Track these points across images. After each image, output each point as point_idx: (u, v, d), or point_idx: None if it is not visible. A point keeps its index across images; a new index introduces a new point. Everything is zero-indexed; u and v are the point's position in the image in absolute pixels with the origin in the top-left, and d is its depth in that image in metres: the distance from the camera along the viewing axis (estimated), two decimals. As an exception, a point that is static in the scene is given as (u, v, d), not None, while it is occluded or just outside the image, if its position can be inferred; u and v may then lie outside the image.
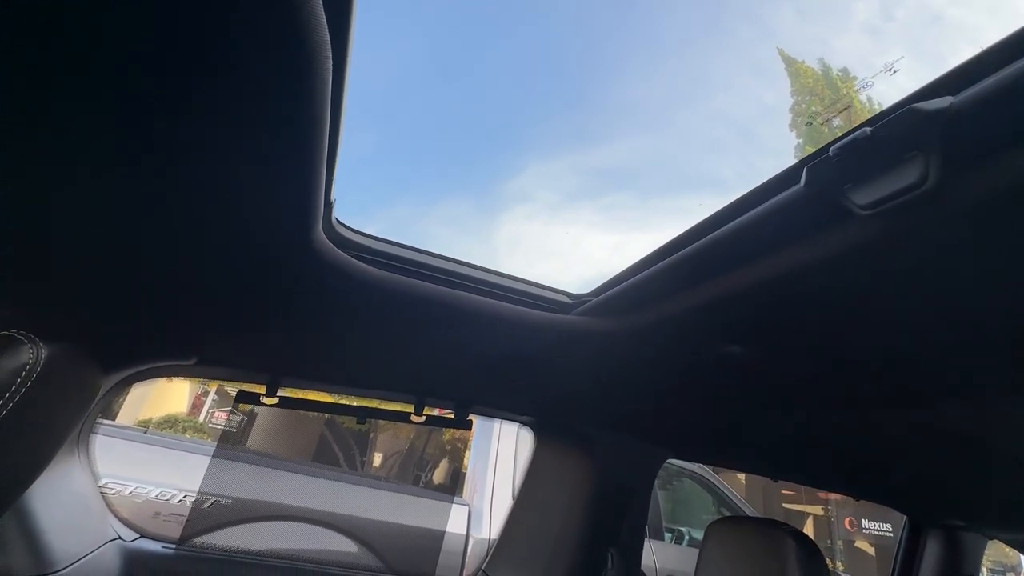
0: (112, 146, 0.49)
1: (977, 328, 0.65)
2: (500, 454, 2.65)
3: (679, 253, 0.66)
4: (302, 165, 0.53)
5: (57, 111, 0.44)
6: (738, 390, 1.02)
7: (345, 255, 0.74)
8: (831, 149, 0.44)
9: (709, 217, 0.64)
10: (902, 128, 0.40)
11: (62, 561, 0.79)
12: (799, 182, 0.49)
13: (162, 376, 0.97)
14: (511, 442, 2.67)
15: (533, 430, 1.28)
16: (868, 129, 0.41)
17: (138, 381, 0.93)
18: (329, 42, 0.41)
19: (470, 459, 2.83)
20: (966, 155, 0.40)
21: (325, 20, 0.39)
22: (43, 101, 0.43)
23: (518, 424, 1.31)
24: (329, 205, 0.71)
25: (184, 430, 6.80)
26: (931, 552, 1.72)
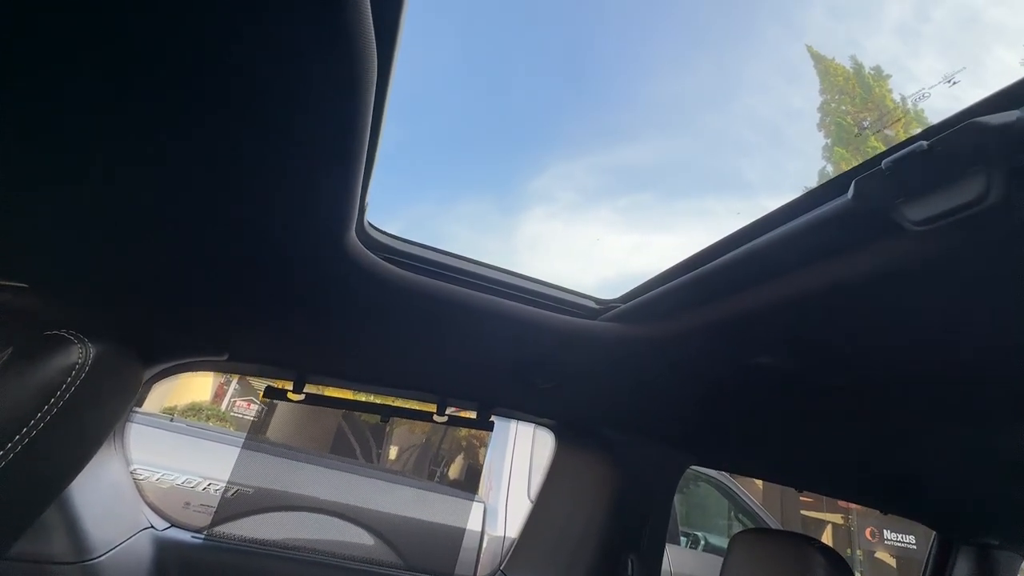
0: (160, 149, 0.50)
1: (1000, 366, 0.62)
2: (516, 452, 2.65)
3: (712, 263, 0.65)
4: (341, 171, 0.54)
5: (110, 110, 0.45)
6: (766, 399, 1.00)
7: (375, 257, 0.74)
8: (883, 162, 0.43)
9: (744, 227, 0.63)
10: (963, 143, 0.38)
11: (99, 548, 0.82)
12: (846, 195, 0.47)
13: (195, 370, 0.99)
14: (527, 440, 2.67)
15: (555, 433, 1.28)
16: (924, 143, 0.40)
17: (172, 375, 0.96)
18: (375, 48, 0.41)
19: (486, 456, 2.84)
20: None
21: (372, 26, 0.39)
22: (99, 100, 0.44)
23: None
24: (363, 209, 0.72)
25: (208, 418, 6.98)
26: (961, 570, 1.66)
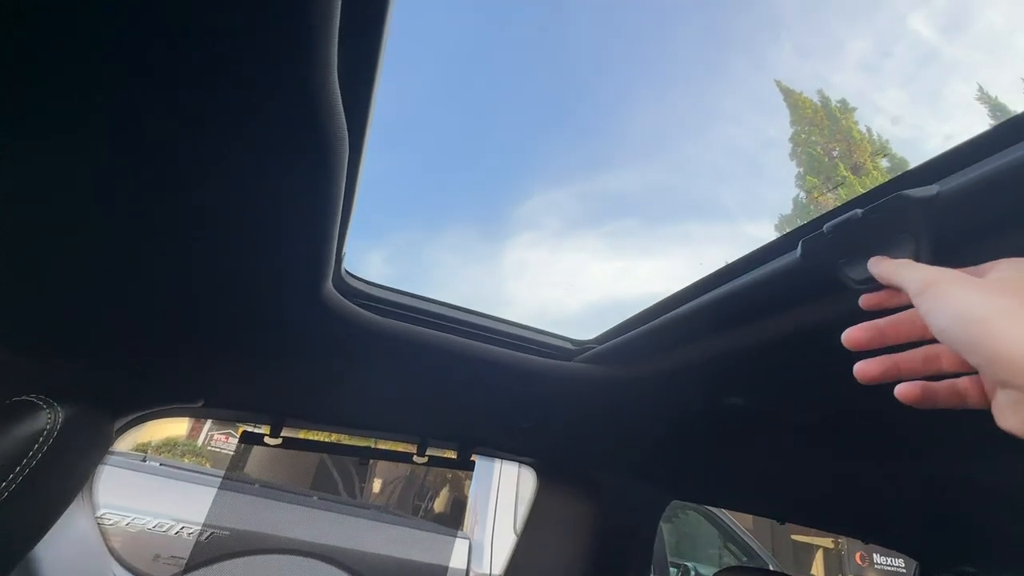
0: (130, 202, 0.50)
1: None
2: (502, 485, 2.61)
3: (680, 309, 0.68)
4: (317, 227, 0.55)
5: (74, 163, 0.45)
6: (742, 437, 1.01)
7: (353, 305, 0.75)
8: (825, 227, 0.46)
9: (710, 275, 0.65)
10: (891, 213, 0.41)
11: (62, 609, 0.78)
12: (795, 252, 0.50)
13: (168, 417, 0.97)
14: (513, 473, 2.64)
15: (536, 471, 1.28)
16: (859, 211, 0.43)
17: (145, 422, 0.94)
18: (343, 117, 0.42)
19: (471, 490, 2.79)
20: (953, 239, 0.42)
21: (340, 99, 0.40)
22: (64, 151, 0.45)
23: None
24: (340, 259, 0.73)
25: (183, 455, 6.73)
26: (943, 598, 1.67)
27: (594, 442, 1.13)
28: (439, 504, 5.07)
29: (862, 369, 0.41)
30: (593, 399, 0.94)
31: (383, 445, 1.19)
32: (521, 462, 1.25)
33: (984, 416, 0.33)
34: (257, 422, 1.06)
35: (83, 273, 0.60)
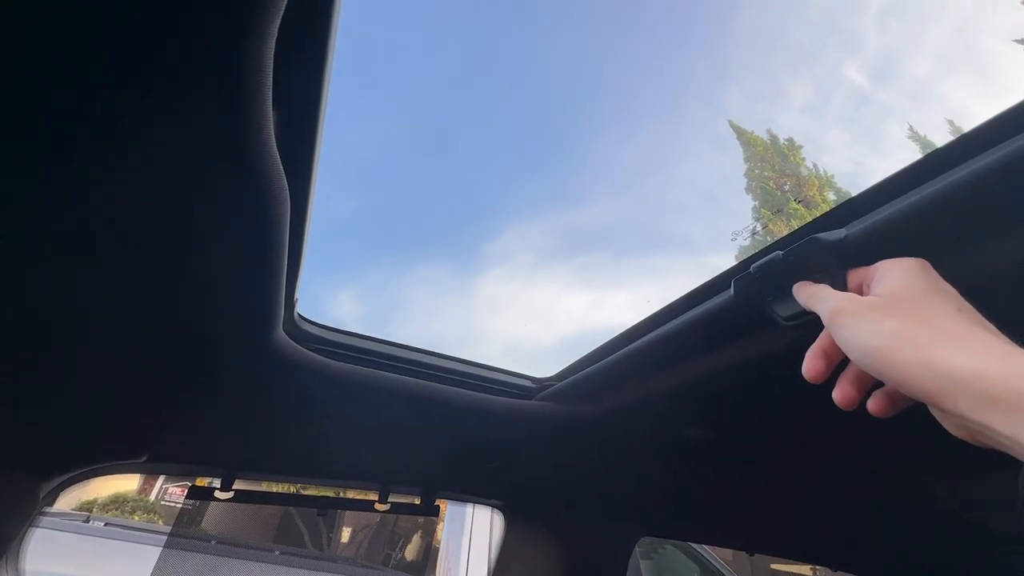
0: (71, 246, 0.49)
1: (912, 417, 0.69)
2: (475, 531, 2.53)
3: (630, 346, 0.69)
4: (263, 275, 0.55)
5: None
6: (704, 468, 1.02)
7: (305, 351, 0.74)
8: (752, 266, 0.49)
9: (655, 313, 0.68)
10: (807, 255, 0.45)
11: None
12: (729, 291, 0.53)
13: (109, 474, 0.91)
14: (486, 517, 2.56)
15: (503, 513, 1.25)
16: (780, 253, 0.46)
17: (81, 481, 0.88)
18: (280, 169, 0.43)
19: (443, 536, 2.69)
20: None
21: (277, 155, 0.41)
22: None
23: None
24: (291, 304, 0.73)
25: (133, 512, 6.24)
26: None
27: (560, 480, 1.11)
28: (410, 552, 4.84)
29: (841, 397, 0.41)
30: (554, 437, 0.94)
31: (344, 493, 1.15)
32: (487, 505, 1.22)
33: (915, 444, 0.35)
34: (207, 475, 1.01)
35: (9, 321, 0.57)
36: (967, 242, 0.42)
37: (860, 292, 0.42)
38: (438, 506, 1.16)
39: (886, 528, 1.30)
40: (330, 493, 1.19)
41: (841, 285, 0.43)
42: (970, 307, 0.36)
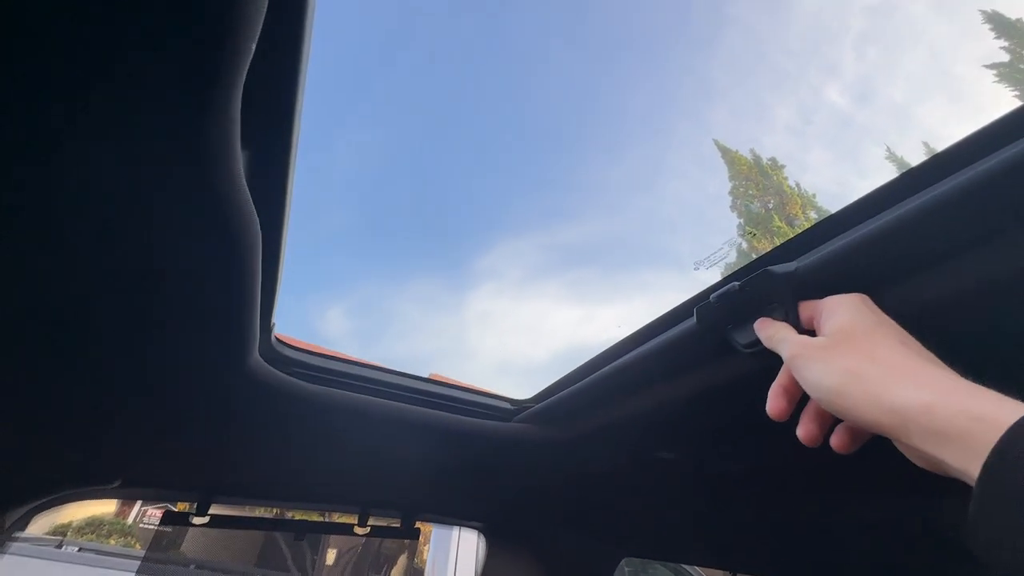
0: (32, 262, 0.49)
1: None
2: (461, 552, 2.50)
3: (600, 371, 0.71)
4: (238, 301, 0.56)
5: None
6: (681, 489, 1.03)
7: (282, 375, 0.75)
8: (712, 296, 0.51)
9: (624, 339, 0.70)
10: (760, 286, 0.47)
11: None
12: (692, 319, 0.55)
13: (80, 500, 0.90)
14: (473, 539, 2.53)
15: (484, 536, 1.24)
16: (736, 284, 0.49)
17: (50, 508, 0.87)
18: (252, 210, 0.44)
19: (429, 557, 2.64)
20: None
21: (248, 195, 0.43)
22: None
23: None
24: (269, 328, 0.73)
25: (109, 536, 6.06)
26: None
27: (540, 502, 1.12)
28: (396, 574, 4.75)
29: (805, 434, 0.42)
30: (534, 458, 0.94)
31: (327, 516, 1.13)
32: (468, 527, 1.21)
33: (886, 462, 0.37)
34: (183, 500, 0.99)
35: None
36: (914, 272, 0.45)
37: (811, 325, 0.44)
38: (419, 529, 1.15)
39: (866, 545, 1.31)
40: (313, 516, 1.17)
41: (794, 317, 0.45)
42: (911, 339, 0.37)
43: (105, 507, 6.85)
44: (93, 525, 6.18)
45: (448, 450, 0.92)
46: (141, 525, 7.62)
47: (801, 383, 0.40)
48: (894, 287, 0.44)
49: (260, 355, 0.70)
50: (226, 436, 0.83)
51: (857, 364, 0.35)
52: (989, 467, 0.26)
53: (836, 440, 0.41)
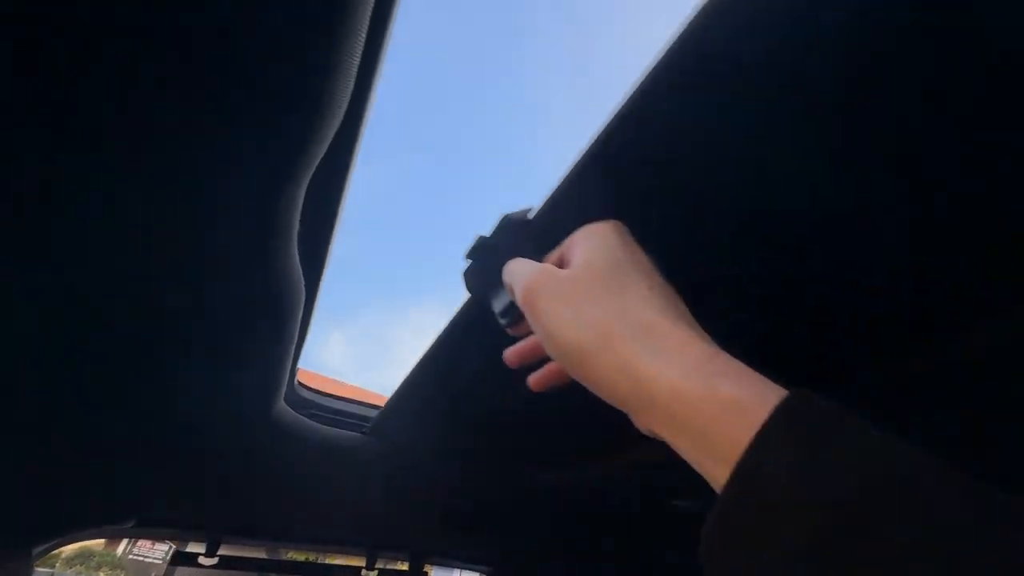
0: (69, 312, 0.50)
1: None
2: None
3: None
4: (273, 352, 0.58)
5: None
6: (681, 532, 1.03)
7: (303, 418, 0.76)
8: (466, 254, 0.40)
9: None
10: (502, 236, 0.38)
11: None
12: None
13: (96, 538, 0.90)
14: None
15: (493, 580, 1.23)
16: (483, 236, 0.39)
17: (68, 544, 0.87)
18: (301, 271, 0.47)
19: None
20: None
21: (297, 253, 0.45)
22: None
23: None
24: (294, 373, 0.76)
25: (99, 567, 5.91)
26: None
27: (549, 546, 1.11)
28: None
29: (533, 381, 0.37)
30: (540, 497, 0.94)
31: (329, 560, 1.13)
32: (478, 571, 1.20)
33: None
34: (193, 540, 0.99)
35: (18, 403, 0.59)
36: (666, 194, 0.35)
37: (564, 266, 0.32)
38: (426, 573, 1.14)
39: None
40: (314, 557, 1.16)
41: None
42: (661, 281, 0.29)
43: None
44: (83, 556, 6.04)
45: (457, 489, 0.92)
46: (130, 557, 7.42)
47: (538, 330, 0.30)
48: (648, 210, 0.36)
49: (284, 399, 0.72)
50: (240, 478, 0.84)
51: (606, 315, 0.27)
52: (727, 497, 0.20)
53: (536, 380, 0.36)
